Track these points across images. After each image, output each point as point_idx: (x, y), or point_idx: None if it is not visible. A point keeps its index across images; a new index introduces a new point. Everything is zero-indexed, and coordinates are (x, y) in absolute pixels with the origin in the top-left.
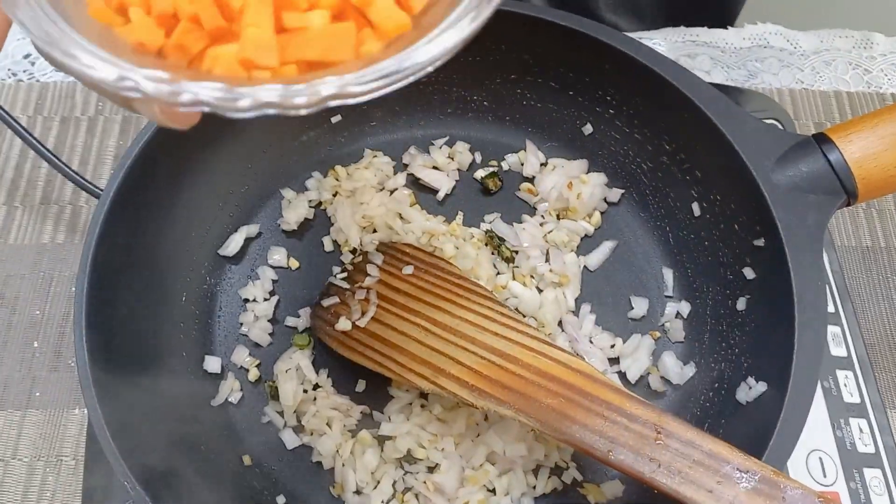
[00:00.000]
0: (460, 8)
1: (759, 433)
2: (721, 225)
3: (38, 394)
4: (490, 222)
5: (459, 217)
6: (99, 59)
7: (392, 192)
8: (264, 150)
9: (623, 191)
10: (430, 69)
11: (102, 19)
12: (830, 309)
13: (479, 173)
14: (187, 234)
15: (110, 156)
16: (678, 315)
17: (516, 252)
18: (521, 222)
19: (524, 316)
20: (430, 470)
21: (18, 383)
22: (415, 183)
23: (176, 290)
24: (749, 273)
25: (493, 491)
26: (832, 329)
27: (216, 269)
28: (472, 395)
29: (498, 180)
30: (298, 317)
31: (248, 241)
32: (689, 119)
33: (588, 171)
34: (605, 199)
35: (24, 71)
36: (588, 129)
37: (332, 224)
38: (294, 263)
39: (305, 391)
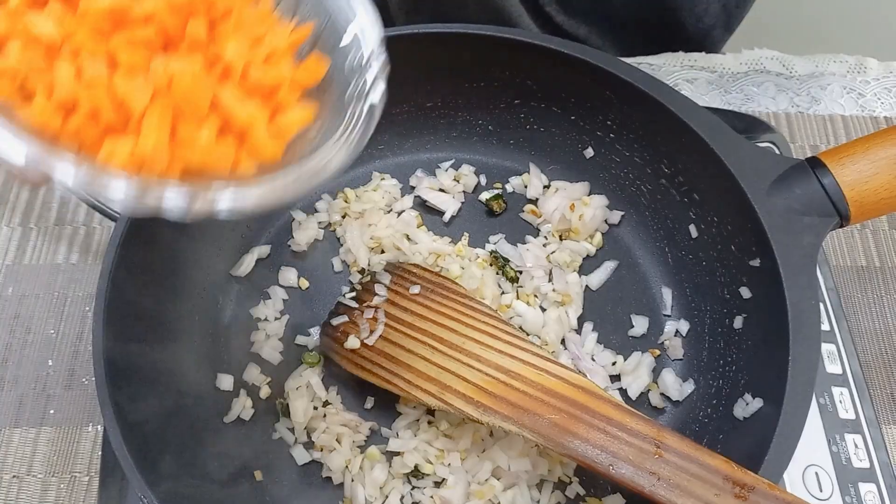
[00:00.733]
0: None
1: (755, 448)
2: (718, 246)
3: (52, 411)
4: (495, 243)
5: (465, 238)
6: None
7: (399, 214)
8: None
9: (623, 212)
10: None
11: (3, 95)
12: (826, 327)
13: (484, 195)
14: (201, 255)
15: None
16: (677, 333)
17: (520, 272)
18: (524, 243)
19: (528, 334)
20: (437, 485)
21: (34, 401)
22: (422, 205)
23: (190, 310)
24: (745, 293)
25: None
26: (827, 347)
27: (229, 289)
28: (477, 411)
29: (502, 202)
30: (309, 335)
31: (259, 261)
32: (687, 143)
33: (590, 194)
34: (606, 221)
35: None
36: (589, 152)
37: (342, 245)
38: (304, 283)
39: (316, 408)
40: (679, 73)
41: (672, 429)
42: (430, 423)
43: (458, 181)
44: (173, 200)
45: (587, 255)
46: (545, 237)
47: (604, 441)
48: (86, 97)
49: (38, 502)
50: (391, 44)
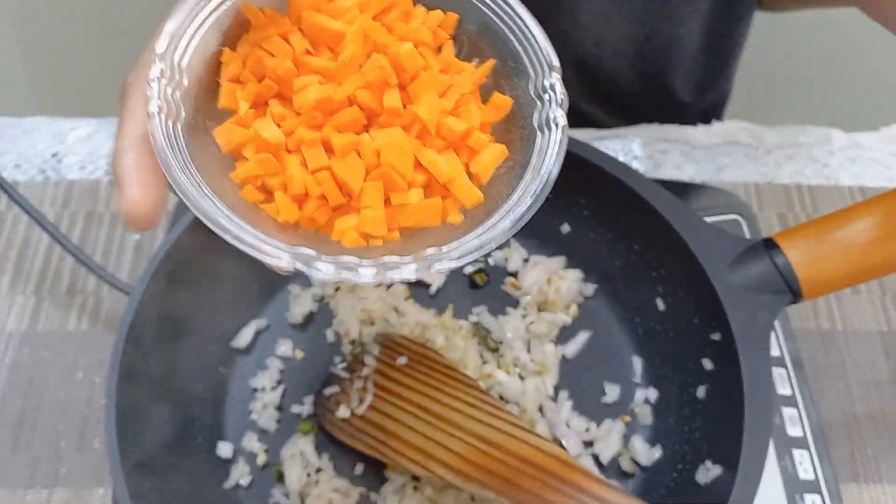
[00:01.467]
0: (521, 188)
1: None
2: (683, 319)
3: (64, 472)
4: (477, 314)
5: (450, 310)
6: (257, 239)
7: (388, 288)
8: None
9: (597, 285)
10: (504, 239)
11: (251, 199)
12: (787, 392)
13: (468, 269)
14: (204, 328)
15: (130, 248)
16: (647, 400)
17: (500, 343)
18: (505, 314)
19: (507, 402)
20: None
21: (46, 463)
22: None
23: (193, 380)
24: (708, 364)
25: None
26: (789, 411)
27: (228, 360)
28: (458, 479)
29: (485, 275)
30: (303, 404)
31: (257, 333)
32: (653, 225)
33: (566, 267)
34: (581, 293)
35: (52, 169)
36: (566, 228)
37: (335, 317)
38: (299, 354)
39: (308, 475)
40: (653, 145)
41: (639, 496)
42: (415, 488)
43: None
44: (408, 273)
45: (563, 326)
46: (524, 309)
47: None
48: (314, 186)
49: None
50: None
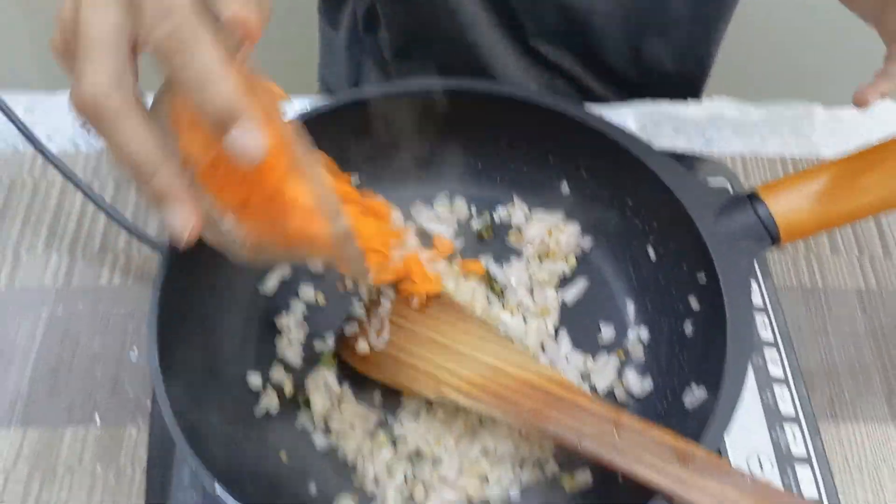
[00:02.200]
0: None
1: (699, 428)
2: (673, 266)
3: (98, 415)
4: (484, 263)
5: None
6: None
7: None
8: None
9: (593, 238)
10: None
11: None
12: (769, 337)
13: (475, 224)
14: (233, 275)
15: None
16: (639, 339)
17: (505, 287)
18: (509, 263)
19: (512, 340)
20: (435, 463)
21: (82, 405)
22: (422, 232)
23: (224, 322)
24: (695, 304)
25: (487, 479)
26: (771, 353)
27: (256, 303)
28: (468, 401)
29: (491, 231)
30: (325, 341)
31: (282, 281)
32: (646, 181)
33: (565, 222)
34: (579, 245)
35: (84, 141)
36: (565, 187)
37: None
38: (321, 299)
39: (332, 402)
40: (647, 118)
41: (628, 412)
42: (429, 411)
43: (451, 212)
44: None
45: (563, 274)
46: (527, 259)
47: (573, 422)
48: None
49: (88, 491)
50: (391, 100)
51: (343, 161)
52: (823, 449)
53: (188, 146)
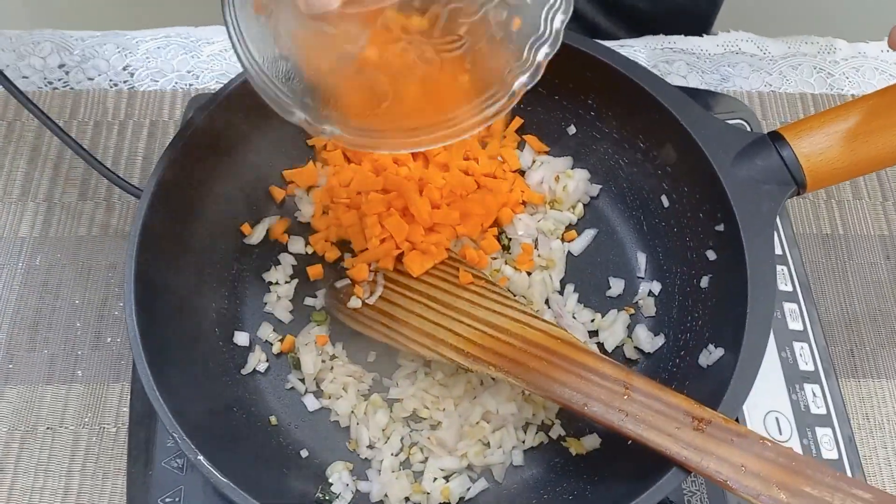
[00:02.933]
0: None
1: (716, 390)
2: (687, 214)
3: (80, 372)
4: None
5: None
6: None
7: None
8: (282, 150)
9: (602, 185)
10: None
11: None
12: (789, 288)
13: None
14: (217, 225)
15: (139, 157)
16: (650, 293)
17: (511, 239)
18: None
19: (515, 295)
20: (433, 427)
21: (63, 360)
22: None
23: (209, 275)
24: (711, 255)
25: (488, 444)
26: (790, 306)
27: (243, 256)
28: (468, 361)
29: None
30: (316, 297)
31: (269, 231)
32: (660, 120)
33: (573, 167)
34: (587, 193)
35: (59, 80)
36: (572, 129)
37: None
38: (311, 250)
39: (323, 361)
40: (659, 55)
41: (639, 373)
42: (426, 373)
43: None
44: None
45: (570, 224)
46: (533, 206)
47: (579, 384)
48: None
49: (71, 451)
50: None
51: None
52: (845, 408)
53: None
